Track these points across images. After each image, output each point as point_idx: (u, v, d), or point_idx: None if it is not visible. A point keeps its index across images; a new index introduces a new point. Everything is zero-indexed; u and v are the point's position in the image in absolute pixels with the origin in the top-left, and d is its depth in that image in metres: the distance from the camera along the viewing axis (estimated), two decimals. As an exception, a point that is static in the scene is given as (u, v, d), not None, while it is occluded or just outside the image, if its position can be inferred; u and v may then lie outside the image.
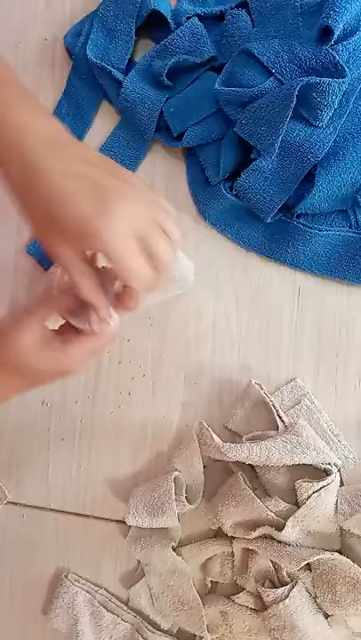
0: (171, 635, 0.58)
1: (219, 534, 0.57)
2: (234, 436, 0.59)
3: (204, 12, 0.59)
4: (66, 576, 0.60)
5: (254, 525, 0.53)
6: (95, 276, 0.39)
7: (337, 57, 0.53)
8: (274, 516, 0.52)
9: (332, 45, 0.53)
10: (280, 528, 0.52)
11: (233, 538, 0.55)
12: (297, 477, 0.53)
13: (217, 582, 0.57)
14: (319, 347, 0.59)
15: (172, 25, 0.60)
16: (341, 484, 0.54)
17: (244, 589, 0.55)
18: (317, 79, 0.52)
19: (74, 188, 0.35)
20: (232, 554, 0.56)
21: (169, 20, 0.59)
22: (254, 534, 0.52)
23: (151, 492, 0.55)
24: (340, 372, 0.59)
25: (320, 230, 0.57)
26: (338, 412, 0.58)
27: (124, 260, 0.36)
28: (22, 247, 0.63)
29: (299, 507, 0.52)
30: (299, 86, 0.52)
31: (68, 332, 0.43)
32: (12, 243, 0.63)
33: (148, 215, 0.37)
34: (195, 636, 0.58)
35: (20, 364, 0.41)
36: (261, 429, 0.56)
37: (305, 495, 0.52)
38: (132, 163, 0.62)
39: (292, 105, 0.53)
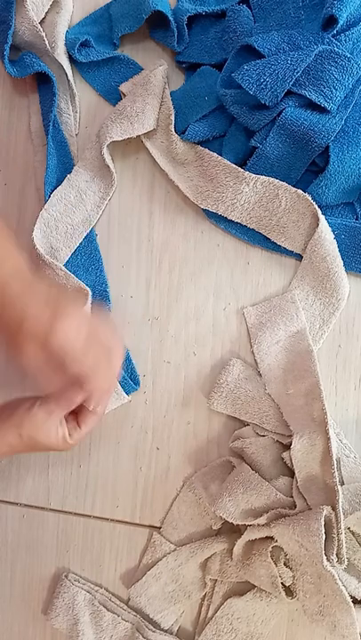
0: (171, 633, 0.58)
1: (220, 534, 0.57)
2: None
3: (205, 11, 0.59)
4: (66, 576, 0.60)
5: (262, 512, 0.53)
6: (60, 373, 0.48)
7: (340, 45, 0.53)
8: (283, 496, 0.53)
9: (335, 35, 0.54)
10: (291, 508, 0.53)
11: (238, 532, 0.55)
12: (281, 452, 0.56)
13: (216, 580, 0.57)
14: (319, 346, 0.59)
15: (173, 25, 0.60)
16: (342, 482, 0.54)
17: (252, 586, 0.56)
18: (339, 50, 0.53)
19: (37, 307, 0.46)
20: (231, 551, 0.56)
21: (170, 20, 0.59)
22: (265, 517, 0.52)
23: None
24: (340, 372, 0.59)
25: (325, 220, 0.57)
26: (338, 412, 0.58)
27: (76, 354, 0.46)
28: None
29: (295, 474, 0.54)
30: (318, 50, 0.52)
31: (69, 417, 0.53)
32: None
33: (91, 326, 0.48)
34: (194, 634, 0.58)
35: (35, 438, 0.50)
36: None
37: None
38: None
39: (306, 63, 0.53)
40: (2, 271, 0.48)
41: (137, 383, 0.60)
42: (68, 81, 0.62)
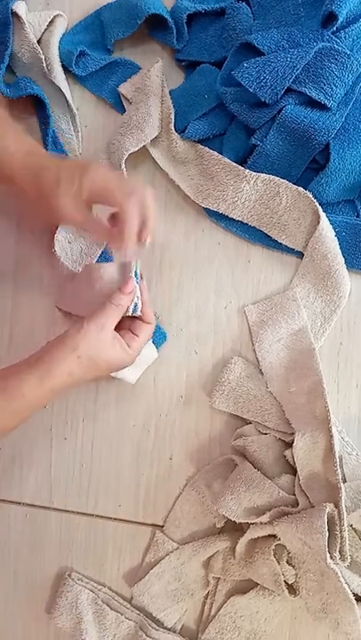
0: (174, 632, 0.58)
1: (222, 532, 0.57)
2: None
3: (205, 9, 0.59)
4: (69, 575, 0.60)
5: (265, 511, 0.53)
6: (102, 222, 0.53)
7: (340, 42, 0.54)
8: (285, 494, 0.53)
9: (334, 32, 0.54)
10: (294, 505, 0.53)
11: (241, 530, 0.55)
12: (283, 450, 0.56)
13: (219, 578, 0.57)
14: (321, 344, 0.59)
15: (171, 23, 0.60)
16: (344, 480, 0.54)
17: (256, 584, 0.56)
18: (338, 47, 0.53)
19: (69, 167, 0.52)
20: (234, 549, 0.56)
21: (168, 20, 0.59)
22: (267, 515, 0.53)
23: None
24: (341, 370, 0.59)
25: (326, 218, 0.57)
26: (340, 410, 0.58)
27: (112, 183, 0.51)
28: (22, 245, 0.63)
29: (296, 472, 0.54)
30: (318, 47, 0.52)
31: (121, 332, 0.53)
32: (13, 241, 0.64)
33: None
34: (197, 633, 0.58)
35: (96, 355, 0.50)
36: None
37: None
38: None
39: (305, 60, 0.53)
40: (27, 144, 0.53)
41: (163, 336, 0.60)
42: (67, 102, 0.62)
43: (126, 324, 0.54)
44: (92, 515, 0.61)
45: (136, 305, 0.53)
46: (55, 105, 0.63)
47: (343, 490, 0.51)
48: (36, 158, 0.52)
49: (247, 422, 0.58)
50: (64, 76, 0.63)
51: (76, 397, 0.62)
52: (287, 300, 0.58)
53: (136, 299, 0.53)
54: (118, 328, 0.53)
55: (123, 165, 0.60)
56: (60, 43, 0.63)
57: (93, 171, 0.50)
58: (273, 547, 0.52)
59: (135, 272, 0.53)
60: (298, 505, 0.53)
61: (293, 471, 0.55)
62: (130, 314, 0.53)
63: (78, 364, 0.49)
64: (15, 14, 0.61)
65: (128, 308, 0.53)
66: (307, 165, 0.57)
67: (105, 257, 0.61)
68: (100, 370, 0.51)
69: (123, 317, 0.53)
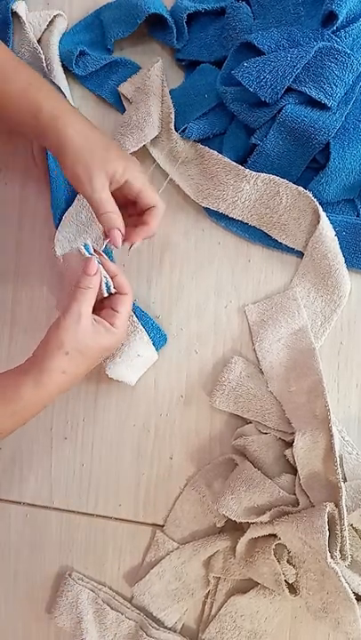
0: (175, 631, 0.58)
1: (223, 532, 0.57)
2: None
3: (204, 9, 0.59)
4: (69, 574, 0.60)
5: (265, 510, 0.53)
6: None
7: (340, 42, 0.54)
8: (286, 493, 0.53)
9: (334, 32, 0.54)
10: (294, 505, 0.53)
11: (241, 530, 0.55)
12: (283, 449, 0.56)
13: (219, 578, 0.57)
14: (321, 343, 0.59)
15: (171, 23, 0.60)
16: (344, 479, 0.54)
17: (256, 583, 0.56)
18: (339, 47, 0.53)
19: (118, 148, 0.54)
20: (234, 549, 0.56)
21: (168, 19, 0.59)
22: (268, 514, 0.53)
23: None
24: (342, 369, 0.59)
25: (326, 217, 0.57)
26: (340, 409, 0.58)
27: (140, 179, 0.53)
28: (23, 245, 0.63)
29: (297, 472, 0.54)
30: (318, 46, 0.53)
31: (102, 312, 0.53)
32: (13, 241, 0.64)
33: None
34: (198, 633, 0.58)
35: (82, 345, 0.50)
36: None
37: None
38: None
39: (305, 60, 0.53)
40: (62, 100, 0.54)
41: (164, 338, 0.60)
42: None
43: (105, 304, 0.53)
44: (93, 514, 0.61)
45: (107, 282, 0.52)
46: (55, 105, 0.63)
47: (344, 489, 0.51)
48: (90, 132, 0.53)
49: (247, 422, 0.58)
50: (64, 75, 0.63)
51: (76, 397, 0.62)
52: (287, 300, 0.58)
53: (104, 278, 0.52)
54: (99, 310, 0.52)
55: None
56: (60, 42, 0.63)
57: (136, 170, 0.53)
58: (273, 546, 0.52)
59: (90, 252, 0.52)
60: (298, 504, 0.53)
61: (294, 471, 0.55)
62: (105, 294, 0.52)
63: (68, 360, 0.49)
64: (15, 14, 0.61)
65: (101, 289, 0.52)
66: (307, 165, 0.57)
67: (106, 254, 0.61)
68: (93, 358, 0.51)
69: (101, 300, 0.52)
